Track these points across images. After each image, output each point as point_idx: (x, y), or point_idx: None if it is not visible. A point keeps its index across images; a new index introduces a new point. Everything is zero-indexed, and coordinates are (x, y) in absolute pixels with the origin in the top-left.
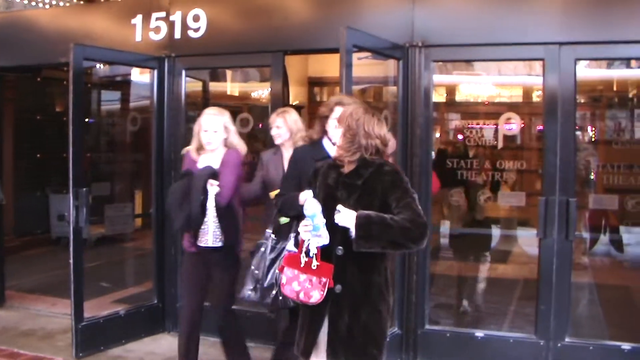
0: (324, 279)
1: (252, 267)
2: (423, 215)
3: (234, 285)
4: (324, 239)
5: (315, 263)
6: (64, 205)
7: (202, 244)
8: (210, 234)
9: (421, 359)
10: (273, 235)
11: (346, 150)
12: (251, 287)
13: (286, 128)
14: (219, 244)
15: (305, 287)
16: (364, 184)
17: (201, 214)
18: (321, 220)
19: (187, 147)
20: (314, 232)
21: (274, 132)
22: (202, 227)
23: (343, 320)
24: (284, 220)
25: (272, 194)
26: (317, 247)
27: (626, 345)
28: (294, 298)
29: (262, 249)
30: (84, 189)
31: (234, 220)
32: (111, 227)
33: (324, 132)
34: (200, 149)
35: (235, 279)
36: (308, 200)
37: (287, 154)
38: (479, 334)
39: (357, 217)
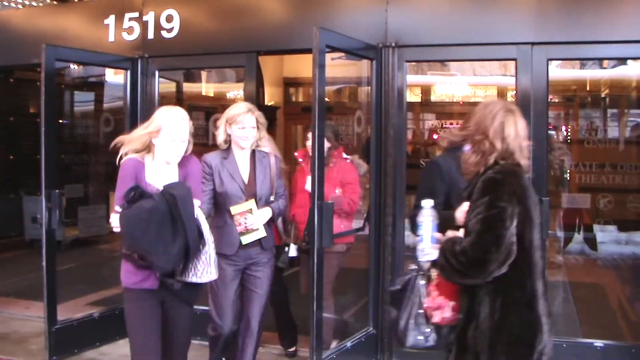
0: (450, 301)
1: (410, 306)
2: (490, 240)
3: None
4: (429, 254)
5: (434, 280)
6: (38, 208)
7: (181, 279)
8: (201, 266)
9: (396, 358)
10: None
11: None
12: (427, 330)
13: (256, 128)
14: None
15: (437, 305)
16: (469, 196)
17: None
18: (426, 232)
19: (128, 152)
20: (420, 245)
21: (241, 133)
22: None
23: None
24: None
25: (236, 209)
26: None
27: (599, 343)
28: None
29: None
30: (57, 191)
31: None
32: (85, 229)
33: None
34: (146, 153)
35: None
36: (424, 209)
37: (242, 159)
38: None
39: (444, 241)
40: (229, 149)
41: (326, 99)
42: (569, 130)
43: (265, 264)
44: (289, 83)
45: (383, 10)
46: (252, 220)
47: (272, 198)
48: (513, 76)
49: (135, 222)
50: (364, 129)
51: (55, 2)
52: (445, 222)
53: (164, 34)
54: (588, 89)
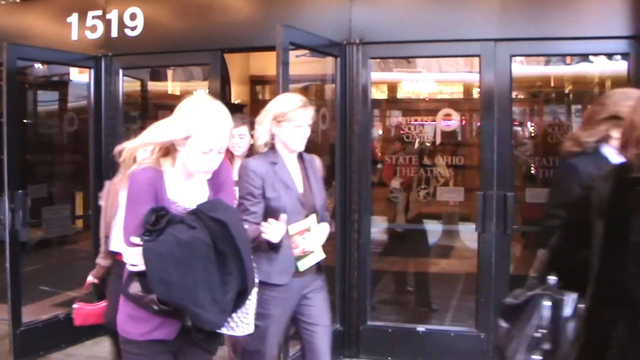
0: None
1: (526, 327)
2: None
3: None
4: None
5: None
6: (1, 208)
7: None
8: (238, 315)
9: (364, 355)
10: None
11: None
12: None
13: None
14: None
15: None
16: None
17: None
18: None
19: (146, 160)
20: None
21: (296, 133)
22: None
23: None
24: None
25: (295, 228)
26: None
27: None
28: None
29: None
30: (20, 191)
31: None
32: (49, 230)
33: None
34: (162, 157)
35: None
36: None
37: (292, 164)
38: (421, 328)
39: None
40: (274, 151)
41: None
42: (535, 125)
43: (322, 289)
44: (256, 81)
45: (347, 8)
46: (312, 240)
47: None
48: (478, 72)
49: (169, 262)
50: (329, 126)
51: (17, 1)
52: None
53: (128, 32)
54: (552, 85)
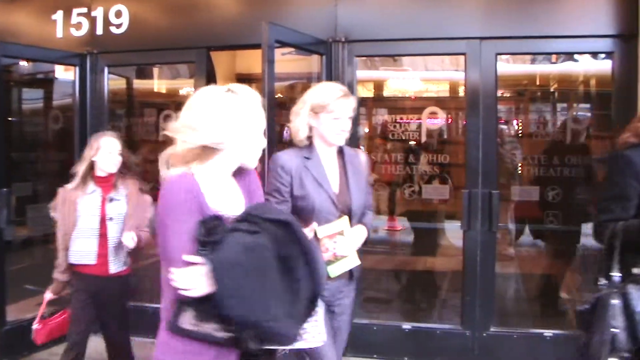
0: None
1: (602, 330)
2: None
3: None
4: None
5: None
6: None
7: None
8: (311, 325)
9: (349, 353)
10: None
11: None
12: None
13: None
14: None
15: None
16: None
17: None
18: None
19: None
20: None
21: (335, 125)
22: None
23: None
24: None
25: (325, 230)
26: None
27: (548, 333)
28: None
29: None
30: (5, 189)
31: None
32: (34, 228)
33: None
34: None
35: None
36: None
37: (329, 159)
38: (406, 326)
39: None
40: (310, 145)
41: (279, 95)
42: (521, 124)
43: (351, 298)
44: (242, 79)
45: (333, 6)
46: (344, 244)
47: None
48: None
49: (239, 272)
50: None
51: None
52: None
53: (113, 29)
54: (538, 83)
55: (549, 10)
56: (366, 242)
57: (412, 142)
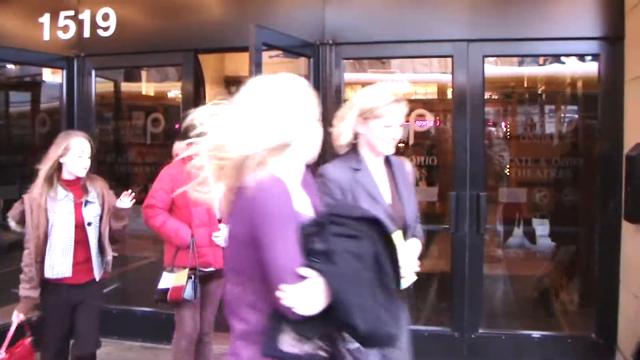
0: None
1: None
2: None
3: None
4: None
5: None
6: None
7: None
8: None
9: None
10: None
11: None
12: None
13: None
14: None
15: None
16: None
17: None
18: None
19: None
20: None
21: (386, 133)
22: None
23: None
24: None
25: None
26: None
27: (536, 334)
28: None
29: None
30: None
31: None
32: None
33: None
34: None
35: None
36: None
37: (377, 169)
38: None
39: None
40: (356, 154)
41: None
42: (509, 126)
43: (405, 324)
44: (230, 81)
45: (320, 8)
46: (404, 260)
47: None
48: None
49: (359, 283)
50: None
51: None
52: None
53: (100, 32)
54: (525, 85)
55: (535, 13)
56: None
57: (401, 144)
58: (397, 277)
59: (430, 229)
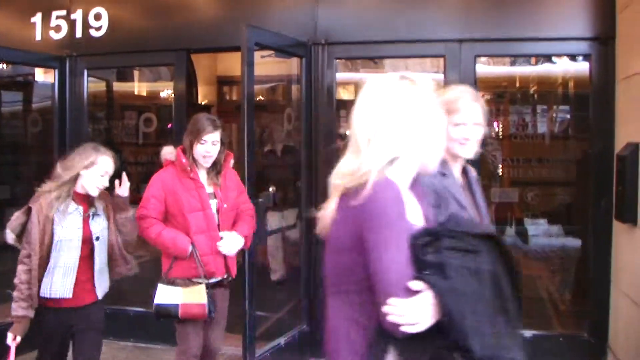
0: None
1: None
2: None
3: None
4: None
5: None
6: None
7: None
8: None
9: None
10: None
11: None
12: None
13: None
14: None
15: None
16: None
17: None
18: None
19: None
20: None
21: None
22: None
23: None
24: None
25: None
26: None
27: (528, 333)
28: None
29: None
30: None
31: None
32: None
33: None
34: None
35: None
36: None
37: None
38: None
39: None
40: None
41: (260, 97)
42: (500, 125)
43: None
44: (223, 81)
45: (313, 8)
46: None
47: None
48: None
49: (476, 303)
50: (294, 126)
51: None
52: None
53: (93, 32)
54: (518, 85)
55: (527, 13)
56: None
57: None
58: (518, 300)
59: None
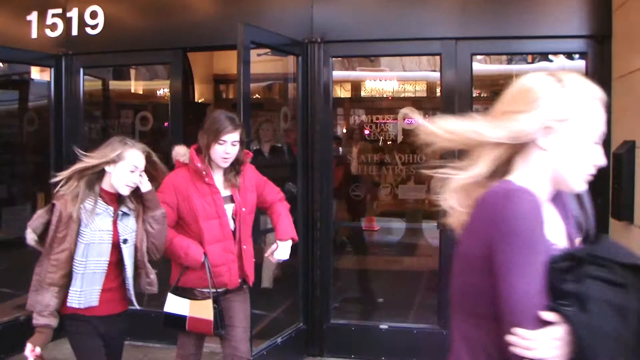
0: None
1: None
2: None
3: None
4: None
5: None
6: None
7: None
8: None
9: (327, 353)
10: None
11: None
12: None
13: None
14: None
15: None
16: None
17: None
18: None
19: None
20: None
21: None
22: None
23: None
24: None
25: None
26: None
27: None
28: None
29: None
30: None
31: None
32: (10, 231)
33: None
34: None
35: None
36: None
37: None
38: (383, 326)
39: None
40: None
41: (257, 96)
42: None
43: None
44: (219, 80)
45: (309, 6)
46: None
47: None
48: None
49: (617, 344)
50: (290, 124)
51: None
52: None
53: (88, 30)
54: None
55: (523, 11)
56: None
57: (389, 142)
58: None
59: (419, 227)
